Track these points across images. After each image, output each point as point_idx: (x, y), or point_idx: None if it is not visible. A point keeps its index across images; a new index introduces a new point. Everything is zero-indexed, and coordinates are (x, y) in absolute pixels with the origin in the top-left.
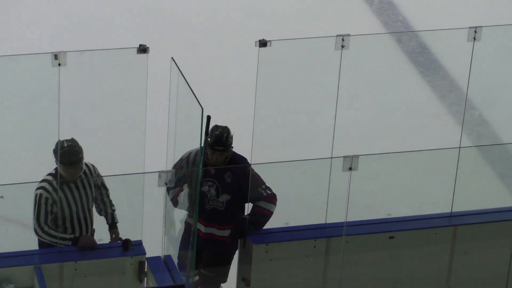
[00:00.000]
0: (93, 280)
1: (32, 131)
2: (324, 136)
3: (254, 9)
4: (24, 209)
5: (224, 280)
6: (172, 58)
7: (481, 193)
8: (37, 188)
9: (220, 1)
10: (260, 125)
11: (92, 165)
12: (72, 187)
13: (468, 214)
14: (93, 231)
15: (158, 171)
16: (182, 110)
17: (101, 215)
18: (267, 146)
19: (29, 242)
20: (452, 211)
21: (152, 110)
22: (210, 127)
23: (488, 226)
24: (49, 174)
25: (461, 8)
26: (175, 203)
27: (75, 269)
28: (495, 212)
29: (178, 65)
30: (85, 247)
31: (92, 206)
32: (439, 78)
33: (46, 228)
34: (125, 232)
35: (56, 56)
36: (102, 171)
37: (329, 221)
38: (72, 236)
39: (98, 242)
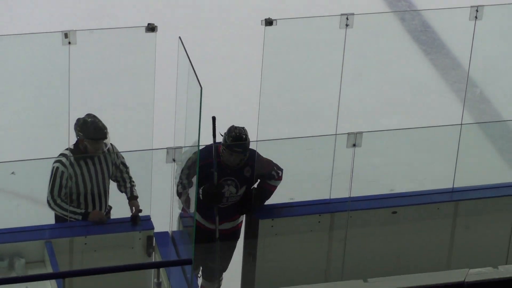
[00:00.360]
0: (102, 254)
1: (43, 108)
2: (329, 113)
3: None
4: (35, 184)
5: (226, 268)
6: (179, 37)
7: (482, 169)
8: (55, 162)
9: None
10: (266, 102)
11: (111, 144)
12: (89, 164)
13: (469, 190)
14: (109, 208)
15: (166, 148)
16: (191, 88)
17: (121, 191)
18: (272, 123)
19: (40, 217)
20: (454, 186)
21: (161, 88)
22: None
23: (488, 201)
24: (68, 149)
25: None
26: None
27: (85, 244)
28: (496, 187)
29: (186, 43)
30: (94, 221)
31: (108, 184)
32: (441, 56)
33: (58, 201)
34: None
35: (66, 35)
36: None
37: (333, 196)
38: (83, 211)
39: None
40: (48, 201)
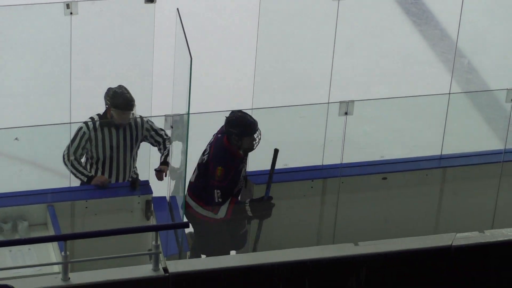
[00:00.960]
0: (103, 217)
1: (46, 77)
2: (322, 82)
3: None
4: (37, 150)
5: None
6: (177, 9)
7: (470, 136)
8: (83, 123)
9: None
10: (261, 72)
11: (141, 117)
12: (113, 132)
13: (457, 157)
14: (134, 176)
15: (164, 115)
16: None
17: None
18: (267, 92)
19: (43, 181)
20: (442, 153)
21: (160, 57)
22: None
23: (475, 168)
24: (97, 115)
25: None
26: None
27: (86, 207)
28: (483, 154)
29: (183, 14)
30: (96, 185)
31: (131, 155)
32: (430, 28)
33: (72, 158)
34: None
35: (68, 6)
36: None
37: (326, 162)
38: (90, 174)
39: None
40: (63, 156)
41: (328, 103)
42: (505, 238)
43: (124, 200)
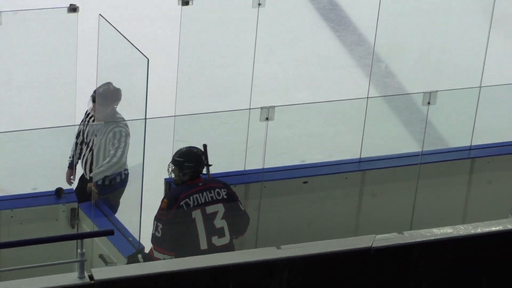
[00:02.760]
0: (28, 226)
1: None
2: (243, 89)
3: None
4: None
5: None
6: (100, 14)
7: (388, 139)
8: None
9: None
10: (183, 79)
11: (125, 128)
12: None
13: (376, 160)
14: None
15: (92, 124)
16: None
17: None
18: (190, 98)
19: None
20: (361, 157)
21: (82, 66)
22: None
23: (394, 170)
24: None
25: None
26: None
27: (11, 216)
28: (400, 157)
29: (105, 23)
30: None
31: (91, 154)
32: (348, 33)
33: (76, 135)
34: (58, 181)
35: None
36: (35, 124)
37: (248, 168)
38: (70, 160)
39: (32, 191)
40: None
41: (250, 109)
42: (424, 239)
43: (49, 209)
